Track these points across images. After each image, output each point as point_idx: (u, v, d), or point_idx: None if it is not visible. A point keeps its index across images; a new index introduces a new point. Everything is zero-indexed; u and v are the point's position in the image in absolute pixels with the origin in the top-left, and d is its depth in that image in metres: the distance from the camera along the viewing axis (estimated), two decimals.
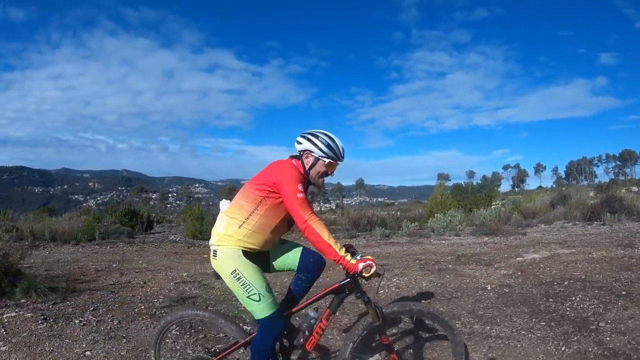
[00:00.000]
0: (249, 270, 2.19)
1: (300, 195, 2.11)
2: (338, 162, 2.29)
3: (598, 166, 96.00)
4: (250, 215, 2.18)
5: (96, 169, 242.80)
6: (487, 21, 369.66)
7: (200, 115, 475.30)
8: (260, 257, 2.30)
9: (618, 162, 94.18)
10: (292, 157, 2.33)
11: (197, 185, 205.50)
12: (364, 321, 2.19)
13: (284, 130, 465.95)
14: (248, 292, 2.16)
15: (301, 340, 2.26)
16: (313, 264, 2.42)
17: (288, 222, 2.30)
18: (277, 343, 2.30)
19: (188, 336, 3.39)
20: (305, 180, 2.25)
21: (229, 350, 2.43)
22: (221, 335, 3.36)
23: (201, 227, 10.76)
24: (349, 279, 2.18)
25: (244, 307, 2.32)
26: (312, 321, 2.25)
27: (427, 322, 2.51)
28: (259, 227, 2.19)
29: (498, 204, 17.11)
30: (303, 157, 2.27)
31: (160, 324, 2.50)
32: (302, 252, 2.43)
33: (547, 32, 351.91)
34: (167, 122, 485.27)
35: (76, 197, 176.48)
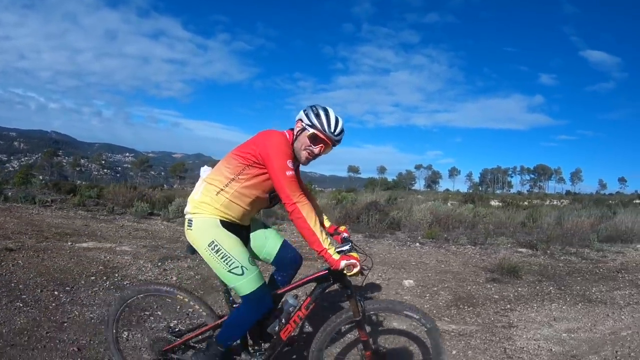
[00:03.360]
0: (229, 241, 1.99)
1: (289, 172, 1.92)
2: (329, 140, 2.04)
3: (512, 177, 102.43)
4: (230, 182, 2.01)
5: (24, 127, 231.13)
6: (438, 26, 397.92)
7: (138, 82, 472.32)
8: (239, 232, 2.10)
9: (532, 175, 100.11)
10: (291, 130, 2.12)
11: (127, 154, 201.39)
12: (344, 313, 2.09)
13: (223, 107, 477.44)
14: (229, 266, 1.96)
15: (276, 328, 2.07)
16: (289, 260, 2.28)
17: (271, 198, 2.14)
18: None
19: (148, 313, 3.21)
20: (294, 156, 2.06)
21: (195, 332, 2.21)
22: (184, 314, 3.25)
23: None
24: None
25: (219, 283, 2.12)
26: (291, 309, 2.06)
27: (407, 320, 2.25)
28: (238, 197, 2.02)
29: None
30: (295, 128, 2.09)
31: (118, 300, 2.28)
32: (281, 245, 2.27)
33: (493, 45, 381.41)
34: (104, 85, 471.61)
35: None
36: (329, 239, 1.95)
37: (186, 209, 2.09)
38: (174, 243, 5.79)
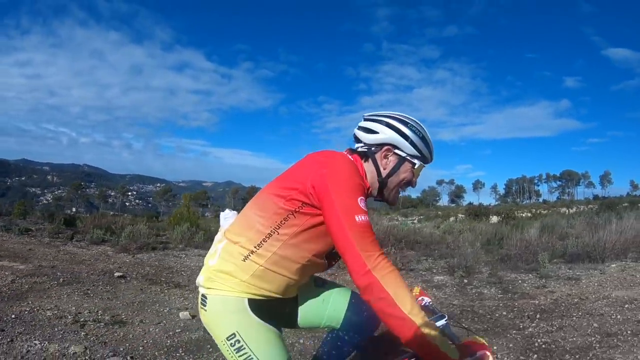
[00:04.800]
0: (258, 337, 1.30)
1: (360, 218, 1.18)
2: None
3: (538, 185, 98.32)
4: (266, 239, 1.28)
5: (57, 162, 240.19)
6: (458, 39, 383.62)
7: (166, 114, 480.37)
8: (280, 310, 1.40)
9: (560, 182, 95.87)
10: (352, 152, 1.42)
11: (158, 184, 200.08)
12: None
13: (250, 134, 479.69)
14: None
15: None
16: (366, 320, 1.50)
17: (327, 257, 1.37)
18: None
19: None
20: (369, 192, 1.37)
21: None
22: None
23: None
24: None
25: None
26: None
27: None
28: (278, 262, 1.29)
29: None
30: (377, 156, 1.38)
31: None
32: (349, 303, 1.52)
33: (515, 53, 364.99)
34: (132, 118, 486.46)
35: (33, 189, 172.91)
36: (435, 326, 1.21)
37: (199, 280, 1.37)
38: (68, 263, 6.10)
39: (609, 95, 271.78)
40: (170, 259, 7.05)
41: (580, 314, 4.06)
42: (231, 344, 1.27)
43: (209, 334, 1.37)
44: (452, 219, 19.62)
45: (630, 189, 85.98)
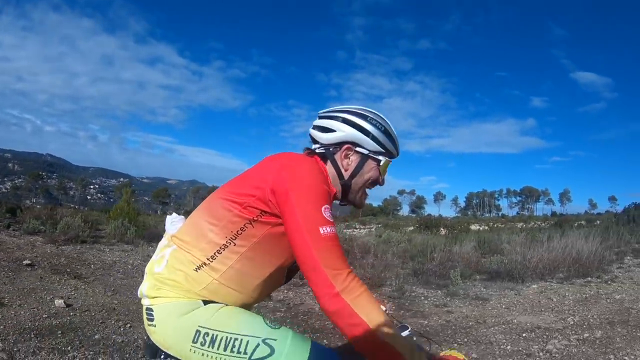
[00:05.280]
0: (223, 316, 1.08)
1: (326, 230, 1.02)
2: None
3: (499, 200, 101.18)
4: (219, 252, 1.10)
5: (19, 149, 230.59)
6: (430, 53, 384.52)
7: (133, 108, 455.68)
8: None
9: (520, 198, 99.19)
10: (311, 153, 1.27)
11: (121, 179, 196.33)
12: None
13: (217, 134, 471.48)
14: (247, 352, 1.03)
15: None
16: None
17: (288, 271, 1.21)
18: None
19: None
20: (333, 197, 1.19)
21: None
22: None
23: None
24: None
25: None
26: None
27: None
28: (234, 278, 1.11)
29: None
30: (337, 156, 1.23)
31: None
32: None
33: (485, 70, 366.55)
34: (99, 110, 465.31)
35: None
36: (408, 339, 1.10)
37: (141, 290, 1.13)
38: None
39: (574, 116, 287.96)
40: (92, 253, 6.72)
41: (466, 340, 3.55)
42: (201, 342, 1.05)
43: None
44: (410, 228, 19.22)
45: (588, 207, 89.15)
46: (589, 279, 6.25)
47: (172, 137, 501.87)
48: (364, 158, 1.23)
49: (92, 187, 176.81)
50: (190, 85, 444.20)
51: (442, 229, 16.68)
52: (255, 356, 1.03)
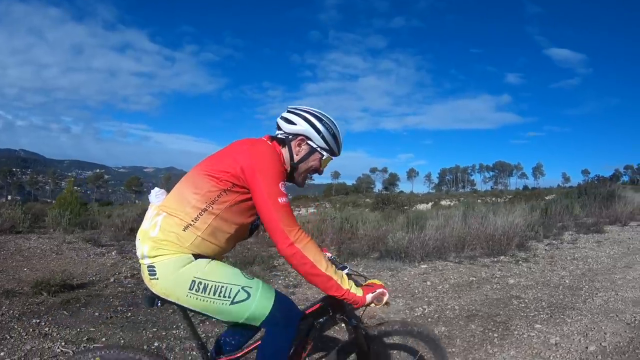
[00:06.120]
0: (211, 268, 1.46)
1: (283, 200, 1.43)
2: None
3: (472, 175, 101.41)
4: (201, 213, 1.45)
5: None
6: (404, 30, 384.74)
7: (106, 97, 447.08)
8: None
9: (493, 173, 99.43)
10: (272, 139, 1.63)
11: (97, 170, 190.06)
12: (347, 347, 1.75)
13: (192, 119, 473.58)
14: (230, 297, 1.43)
15: None
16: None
17: (250, 229, 1.62)
18: None
19: None
20: (287, 175, 1.58)
21: None
22: None
23: None
24: (328, 295, 1.56)
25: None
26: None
27: (413, 342, 1.99)
28: (212, 234, 1.48)
29: None
30: (293, 144, 1.61)
31: None
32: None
33: (459, 47, 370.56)
34: (71, 101, 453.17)
35: None
36: (346, 277, 1.53)
37: (141, 252, 1.48)
38: None
39: (548, 92, 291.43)
40: (16, 241, 6.34)
41: None
42: (196, 289, 1.43)
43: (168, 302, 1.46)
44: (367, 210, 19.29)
45: (562, 180, 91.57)
46: (502, 257, 6.06)
47: (146, 124, 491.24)
48: (312, 150, 1.62)
49: (67, 180, 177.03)
50: (163, 71, 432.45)
51: (392, 205, 16.66)
52: (236, 299, 1.45)
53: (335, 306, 1.63)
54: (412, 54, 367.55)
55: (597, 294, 4.32)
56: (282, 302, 1.51)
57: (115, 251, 5.77)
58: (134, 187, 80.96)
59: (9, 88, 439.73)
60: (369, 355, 1.74)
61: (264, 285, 1.52)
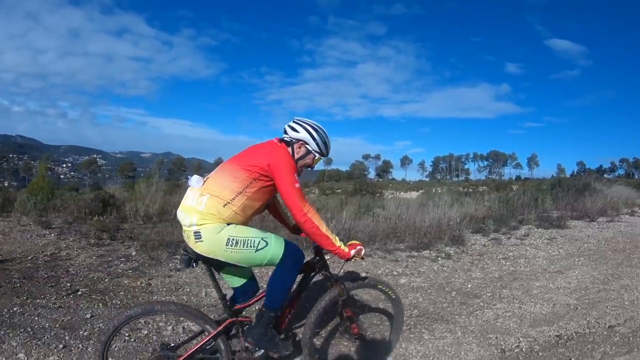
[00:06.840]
0: (239, 228, 2.15)
1: (297, 185, 2.13)
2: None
3: (466, 164, 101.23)
4: (237, 195, 2.12)
5: None
6: (404, 17, 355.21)
7: (103, 82, 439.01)
8: None
9: (487, 162, 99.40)
10: (281, 141, 2.32)
11: (94, 155, 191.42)
12: (329, 295, 2.38)
13: (190, 104, 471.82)
14: (254, 246, 2.12)
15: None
16: (254, 290, 2.43)
17: (266, 206, 2.40)
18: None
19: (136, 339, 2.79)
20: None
21: (198, 344, 2.17)
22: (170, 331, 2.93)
23: None
24: (317, 258, 2.39)
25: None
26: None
27: (378, 292, 2.61)
28: (243, 209, 2.15)
29: None
30: (295, 146, 2.29)
31: (106, 330, 2.07)
32: (248, 280, 2.43)
33: (459, 35, 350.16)
34: (68, 86, 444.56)
35: None
36: (337, 238, 2.24)
37: (189, 221, 2.14)
38: None
39: (548, 83, 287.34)
40: None
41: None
42: (231, 245, 2.12)
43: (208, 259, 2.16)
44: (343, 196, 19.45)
45: (556, 171, 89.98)
46: (425, 252, 5.57)
47: (143, 109, 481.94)
48: (308, 151, 2.30)
49: (64, 165, 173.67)
50: (161, 56, 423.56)
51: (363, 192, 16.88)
52: (259, 247, 2.13)
53: (322, 265, 2.39)
54: (411, 41, 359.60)
55: (494, 305, 3.73)
56: (290, 247, 2.20)
57: (55, 233, 5.97)
58: (127, 172, 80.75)
59: (5, 73, 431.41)
60: (348, 300, 2.42)
61: (277, 236, 2.22)
